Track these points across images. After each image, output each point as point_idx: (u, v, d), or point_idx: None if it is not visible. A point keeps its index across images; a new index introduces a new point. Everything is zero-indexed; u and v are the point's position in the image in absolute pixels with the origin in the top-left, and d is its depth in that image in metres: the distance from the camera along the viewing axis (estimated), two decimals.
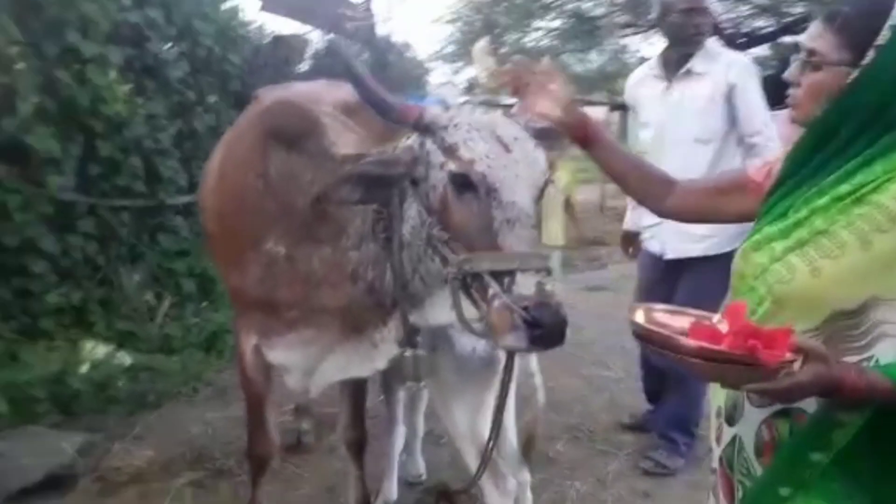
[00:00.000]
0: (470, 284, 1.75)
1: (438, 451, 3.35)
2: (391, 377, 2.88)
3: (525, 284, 1.66)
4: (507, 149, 1.81)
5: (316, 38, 7.68)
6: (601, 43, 13.78)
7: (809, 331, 1.32)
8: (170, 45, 5.31)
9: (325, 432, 3.58)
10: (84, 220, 4.54)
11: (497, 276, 1.69)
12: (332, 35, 6.95)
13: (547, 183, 1.89)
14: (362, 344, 2.21)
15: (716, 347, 1.20)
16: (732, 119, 3.13)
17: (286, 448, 3.49)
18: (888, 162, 1.30)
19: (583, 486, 3.23)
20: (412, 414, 3.12)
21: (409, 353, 2.10)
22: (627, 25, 13.08)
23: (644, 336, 1.31)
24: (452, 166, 1.78)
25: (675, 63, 3.29)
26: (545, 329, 1.62)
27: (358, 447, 2.74)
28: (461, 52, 14.18)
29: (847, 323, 1.30)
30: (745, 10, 12.13)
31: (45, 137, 4.14)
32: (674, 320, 1.38)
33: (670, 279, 3.26)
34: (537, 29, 13.89)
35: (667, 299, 2.59)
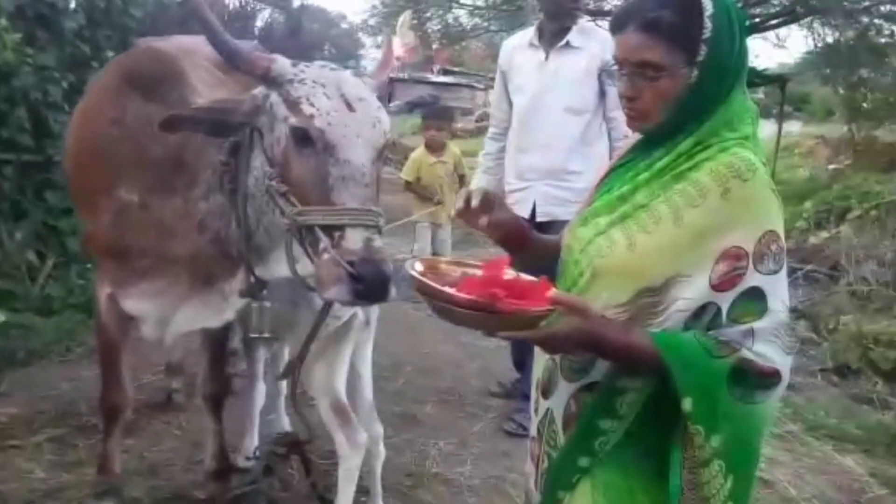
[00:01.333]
0: (304, 238, 1.78)
1: (310, 412, 3.38)
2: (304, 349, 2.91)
3: (354, 240, 1.71)
4: (350, 107, 1.85)
5: None
6: (525, 22, 13.90)
7: (619, 305, 1.35)
8: None
9: (195, 391, 3.56)
10: None
11: (327, 230, 1.74)
12: None
13: (387, 145, 1.93)
14: (212, 295, 2.24)
15: (460, 296, 1.25)
16: (602, 93, 3.28)
17: (156, 406, 3.51)
18: (700, 132, 1.35)
19: (446, 445, 3.34)
20: (274, 371, 3.15)
21: (255, 304, 2.14)
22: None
23: (417, 286, 1.33)
24: (293, 120, 1.81)
25: (552, 36, 3.47)
26: (368, 284, 1.67)
27: (216, 402, 2.74)
28: (383, 26, 14.12)
29: (651, 300, 1.33)
30: None
31: None
32: (452, 271, 1.43)
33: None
34: (462, 6, 13.92)
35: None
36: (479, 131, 12.98)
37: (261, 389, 3.03)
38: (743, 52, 1.37)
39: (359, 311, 2.49)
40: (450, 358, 4.39)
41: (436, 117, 5.88)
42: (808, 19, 12.37)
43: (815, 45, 13.13)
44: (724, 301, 1.29)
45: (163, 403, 3.51)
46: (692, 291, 1.30)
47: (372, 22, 14.92)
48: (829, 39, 12.76)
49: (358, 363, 2.67)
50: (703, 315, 1.31)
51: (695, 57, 1.33)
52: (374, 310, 2.61)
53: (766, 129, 15.93)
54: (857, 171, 10.28)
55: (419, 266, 1.40)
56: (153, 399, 3.55)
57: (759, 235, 1.28)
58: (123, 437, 2.91)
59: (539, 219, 3.50)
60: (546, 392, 1.53)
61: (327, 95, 1.84)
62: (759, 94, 20.09)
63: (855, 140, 13.26)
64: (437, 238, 6.03)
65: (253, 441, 2.99)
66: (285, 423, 3.21)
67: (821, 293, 6.18)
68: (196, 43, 2.60)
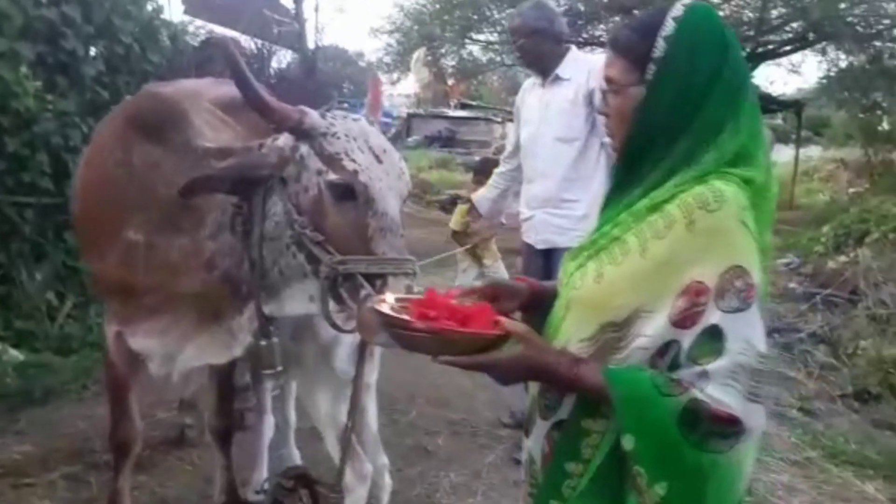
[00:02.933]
0: (341, 284, 1.86)
1: (319, 446, 3.39)
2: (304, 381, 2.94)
3: (395, 287, 1.78)
4: (378, 159, 1.95)
5: (246, 41, 7.75)
6: None
7: (584, 340, 1.32)
8: (85, 42, 5.30)
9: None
10: None
11: (370, 278, 1.82)
12: (256, 39, 6.98)
13: (408, 192, 2.04)
14: (219, 331, 2.26)
15: (393, 316, 1.30)
16: (594, 120, 3.35)
17: (169, 442, 3.54)
18: (682, 178, 1.29)
19: (457, 476, 3.34)
20: (283, 405, 3.18)
21: (263, 342, 2.17)
22: (568, 41, 13.31)
23: (381, 318, 1.37)
24: (334, 176, 1.89)
25: (547, 71, 3.61)
26: None
27: (224, 436, 2.78)
28: (398, 63, 14.34)
29: (615, 335, 1.28)
30: None
31: None
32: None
33: (545, 267, 3.53)
34: (476, 42, 14.11)
35: None
36: (496, 164, 13.05)
37: (269, 423, 3.07)
38: (720, 75, 1.31)
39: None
40: (461, 389, 4.39)
41: (486, 173, 5.91)
42: (820, 45, 12.39)
43: (829, 71, 13.13)
44: (686, 339, 1.21)
45: (176, 439, 3.55)
46: (653, 328, 1.24)
47: (387, 59, 15.17)
48: (843, 64, 12.76)
49: (365, 397, 2.68)
50: (666, 354, 1.23)
51: (644, 75, 1.34)
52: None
53: (785, 154, 15.91)
54: (875, 194, 10.19)
55: (385, 305, 1.41)
56: (166, 435, 3.59)
57: (722, 270, 1.20)
58: (136, 473, 2.95)
59: (539, 246, 3.63)
60: (527, 431, 1.49)
61: (361, 150, 1.93)
62: (778, 119, 20.12)
63: (872, 163, 13.17)
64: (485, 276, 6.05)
65: (262, 475, 3.02)
66: (295, 457, 3.23)
67: (840, 317, 6.11)
68: (199, 85, 2.69)
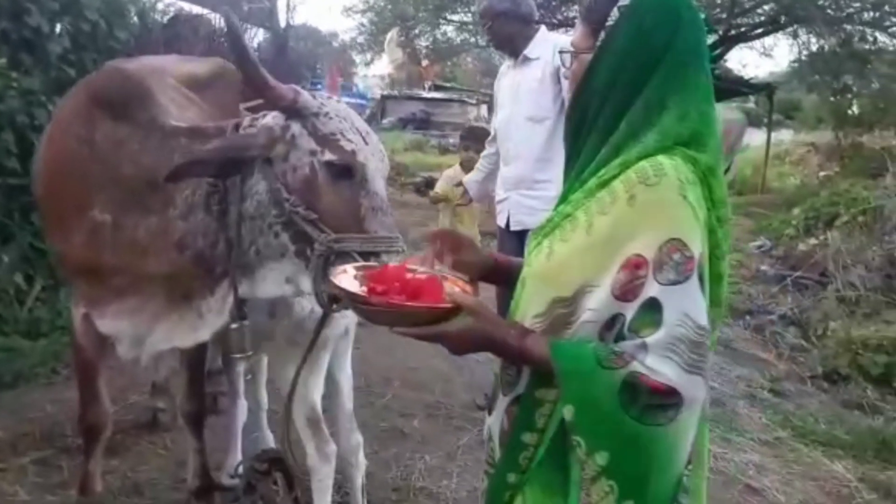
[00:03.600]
0: (333, 262, 1.83)
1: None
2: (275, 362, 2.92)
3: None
4: (365, 140, 1.96)
5: (216, 19, 7.61)
6: None
7: (537, 316, 1.33)
8: (50, 18, 5.17)
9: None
10: None
11: (363, 256, 1.82)
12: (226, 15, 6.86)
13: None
14: (189, 313, 2.21)
15: (349, 290, 1.35)
16: (563, 100, 3.38)
17: (142, 426, 3.50)
18: (626, 156, 1.30)
19: (432, 459, 3.34)
20: (255, 388, 3.16)
21: (234, 325, 2.13)
22: (539, 21, 13.30)
23: (339, 291, 1.40)
24: (332, 156, 1.90)
25: (517, 52, 3.65)
26: None
27: (196, 420, 2.74)
28: (372, 43, 14.23)
29: (564, 311, 1.30)
30: None
31: None
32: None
33: (518, 248, 3.46)
34: (450, 22, 14.03)
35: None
36: None
37: (242, 407, 3.04)
38: (667, 52, 1.31)
39: (341, 321, 2.51)
40: (438, 372, 4.40)
41: (475, 139, 5.87)
42: (792, 28, 12.48)
43: (801, 54, 13.24)
44: (629, 312, 1.22)
45: (148, 423, 3.50)
46: (597, 302, 1.25)
47: (361, 40, 15.04)
48: (814, 47, 12.88)
49: (337, 373, 2.67)
50: (613, 327, 1.24)
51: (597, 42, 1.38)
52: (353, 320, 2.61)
53: (757, 138, 16.05)
54: (845, 177, 10.34)
55: (343, 278, 1.44)
56: (139, 419, 3.55)
57: (660, 243, 1.20)
58: (108, 457, 2.92)
59: (512, 228, 3.64)
60: (490, 409, 1.49)
61: (353, 130, 1.95)
62: (750, 103, 20.28)
63: (842, 146, 13.34)
64: None
65: (236, 458, 2.99)
66: (269, 440, 3.21)
67: (810, 300, 6.20)
68: (164, 62, 2.63)
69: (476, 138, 5.78)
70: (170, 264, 2.11)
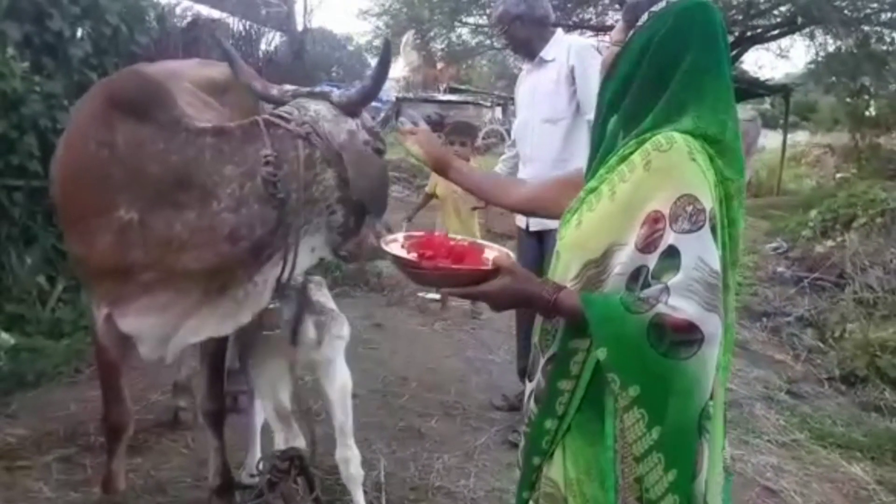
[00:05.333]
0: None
1: (314, 428, 3.41)
2: (246, 350, 2.95)
3: None
4: None
5: (234, 23, 7.70)
6: None
7: (572, 279, 1.49)
8: (71, 23, 5.24)
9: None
10: None
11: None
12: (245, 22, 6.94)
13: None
14: (225, 302, 2.32)
15: (401, 256, 1.56)
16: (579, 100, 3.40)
17: (164, 425, 3.54)
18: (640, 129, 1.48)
19: (450, 458, 3.36)
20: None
21: (271, 305, 2.40)
22: (556, 24, 13.31)
23: (391, 257, 1.61)
24: (381, 145, 2.41)
25: (533, 55, 3.69)
26: None
27: (216, 418, 2.78)
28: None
29: (596, 271, 1.45)
30: None
31: None
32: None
33: (538, 248, 3.63)
34: (465, 24, 14.05)
35: (537, 266, 2.97)
36: (486, 148, 13.04)
37: (261, 405, 3.05)
38: (684, 63, 1.45)
39: (310, 331, 2.55)
40: (455, 372, 4.42)
41: (459, 133, 5.93)
42: (808, 29, 12.41)
43: (817, 55, 13.16)
44: (651, 262, 1.37)
45: (170, 422, 3.54)
46: (625, 257, 1.41)
47: (376, 43, 15.08)
48: (831, 48, 12.78)
49: (324, 385, 2.69)
50: (639, 278, 1.39)
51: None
52: (338, 333, 2.65)
53: (773, 139, 15.97)
54: (862, 178, 10.27)
55: (394, 244, 1.65)
56: (161, 418, 3.59)
57: (675, 198, 1.37)
58: (131, 455, 2.95)
59: (532, 228, 3.67)
60: (531, 375, 1.63)
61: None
62: (766, 104, 20.16)
63: (859, 148, 13.23)
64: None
65: (255, 457, 3.01)
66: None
67: (827, 301, 6.17)
68: (181, 66, 2.69)
69: (461, 133, 5.90)
70: (219, 257, 2.20)
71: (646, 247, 1.38)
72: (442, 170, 2.04)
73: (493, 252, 1.60)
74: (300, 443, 2.64)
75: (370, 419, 3.61)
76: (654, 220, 1.38)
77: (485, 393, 4.14)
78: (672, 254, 1.35)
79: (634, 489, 1.40)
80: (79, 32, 5.30)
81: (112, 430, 2.61)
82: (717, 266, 1.36)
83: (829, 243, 7.04)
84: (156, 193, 2.18)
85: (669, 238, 1.35)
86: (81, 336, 4.40)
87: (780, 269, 7.26)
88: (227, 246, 2.18)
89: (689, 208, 1.36)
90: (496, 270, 1.48)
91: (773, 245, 8.10)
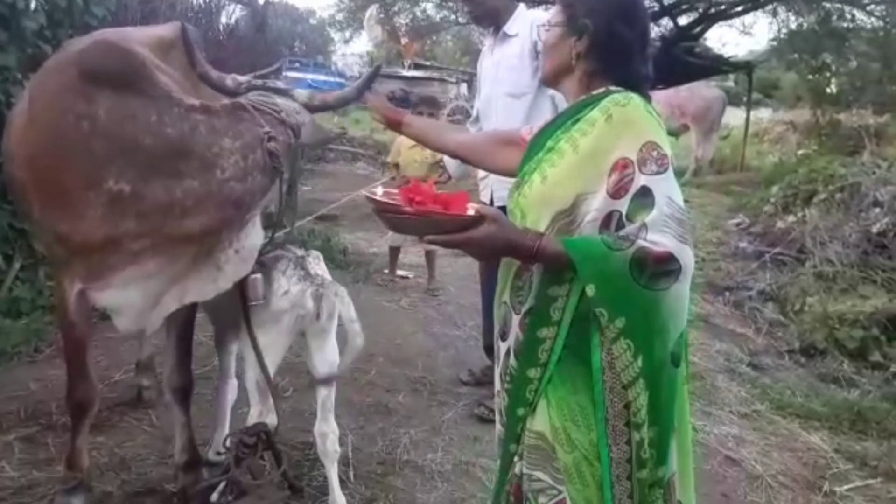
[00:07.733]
0: None
1: (280, 404, 3.39)
2: (222, 329, 2.93)
3: None
4: None
5: None
6: None
7: (544, 231, 1.56)
8: None
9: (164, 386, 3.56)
10: None
11: None
12: None
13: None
14: (206, 268, 2.40)
15: (386, 201, 1.56)
16: None
17: (127, 403, 3.50)
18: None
19: (417, 433, 3.38)
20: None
21: (252, 276, 2.53)
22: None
23: (374, 204, 1.60)
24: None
25: (496, 28, 3.67)
26: None
27: (183, 394, 2.76)
28: (351, 21, 14.10)
29: (567, 220, 1.55)
30: None
31: None
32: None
33: None
34: None
35: None
36: (451, 124, 12.98)
37: (232, 385, 3.03)
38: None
39: (308, 301, 2.56)
40: (422, 348, 4.43)
41: (424, 104, 5.92)
42: (771, 5, 12.49)
43: (780, 32, 13.27)
44: (623, 206, 1.49)
45: (133, 400, 3.50)
46: (596, 203, 1.51)
47: (339, 17, 14.89)
48: (793, 25, 12.90)
49: (314, 357, 2.69)
50: (610, 223, 1.51)
51: (572, 21, 1.67)
52: (336, 305, 2.63)
53: (736, 116, 16.13)
54: (822, 154, 10.42)
55: (379, 191, 1.65)
56: (124, 396, 3.55)
57: (639, 145, 1.51)
58: (94, 434, 2.93)
59: (496, 203, 3.58)
60: (504, 334, 1.69)
61: None
62: (730, 81, 20.33)
63: (820, 124, 13.42)
64: None
65: (222, 435, 2.99)
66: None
67: (788, 276, 6.28)
68: (126, 32, 2.68)
69: (429, 104, 5.95)
70: (220, 220, 2.32)
71: (616, 192, 1.50)
72: (395, 126, 2.26)
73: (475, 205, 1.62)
74: (273, 419, 2.63)
75: (338, 395, 3.53)
76: (623, 166, 1.50)
77: (451, 368, 4.16)
78: (645, 193, 1.47)
79: (623, 415, 1.50)
80: (32, 4, 5.14)
81: (77, 407, 2.56)
82: (682, 204, 1.51)
83: (790, 218, 7.15)
84: (150, 164, 2.19)
85: (640, 180, 1.48)
86: (39, 315, 4.33)
87: (742, 244, 7.36)
88: (232, 210, 2.31)
89: (654, 153, 1.50)
90: (480, 218, 1.51)
91: (736, 221, 8.21)
